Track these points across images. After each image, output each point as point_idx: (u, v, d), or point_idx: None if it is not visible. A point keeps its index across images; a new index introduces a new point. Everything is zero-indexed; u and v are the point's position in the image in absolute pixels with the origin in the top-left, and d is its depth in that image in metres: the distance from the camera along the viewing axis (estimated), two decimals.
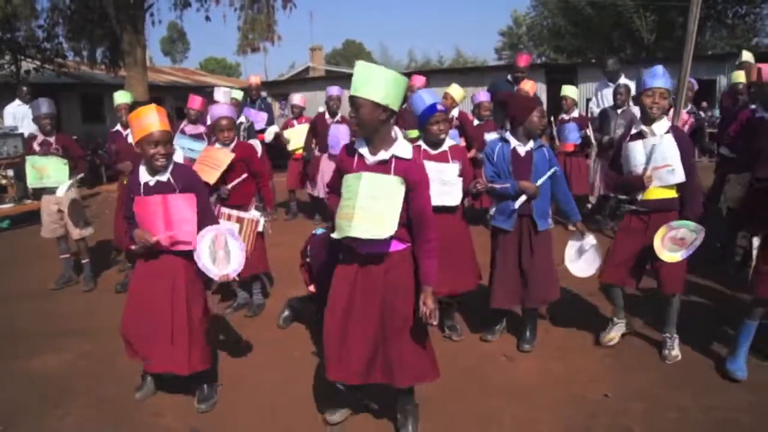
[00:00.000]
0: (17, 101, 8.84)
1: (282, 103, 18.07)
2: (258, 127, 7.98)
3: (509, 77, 7.58)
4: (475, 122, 7.05)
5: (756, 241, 3.40)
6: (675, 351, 3.61)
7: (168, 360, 3.08)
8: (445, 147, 3.81)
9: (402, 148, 2.57)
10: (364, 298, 2.68)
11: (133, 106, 4.89)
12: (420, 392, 2.99)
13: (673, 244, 3.38)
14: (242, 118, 7.43)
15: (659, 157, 3.41)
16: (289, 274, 5.24)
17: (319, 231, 4.10)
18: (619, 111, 6.35)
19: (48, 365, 3.88)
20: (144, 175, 3.09)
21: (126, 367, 3.55)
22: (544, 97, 16.64)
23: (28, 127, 8.72)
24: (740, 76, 5.96)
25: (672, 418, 3.00)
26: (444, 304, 4.16)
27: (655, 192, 3.49)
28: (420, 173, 2.57)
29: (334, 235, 2.65)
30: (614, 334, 3.80)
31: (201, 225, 3.06)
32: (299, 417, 3.08)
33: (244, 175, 4.38)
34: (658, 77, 3.42)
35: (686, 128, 5.69)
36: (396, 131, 2.62)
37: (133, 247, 3.15)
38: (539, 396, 3.27)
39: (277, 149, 8.36)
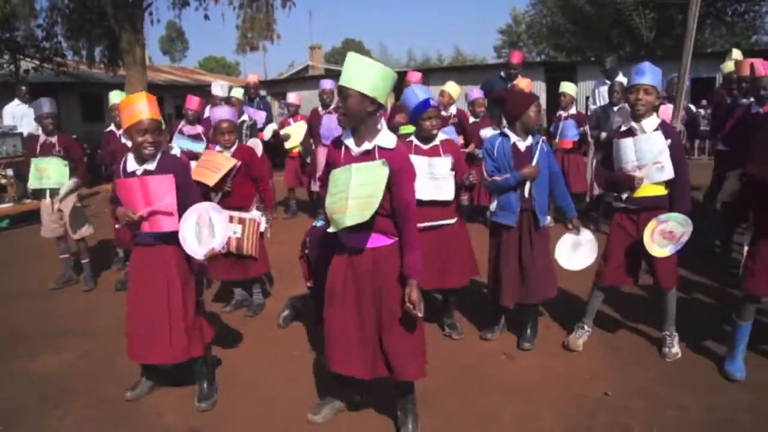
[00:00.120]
0: (16, 101, 8.84)
1: (281, 102, 18.04)
2: (257, 125, 7.99)
3: (502, 74, 7.59)
4: (471, 119, 7.07)
5: (746, 237, 3.40)
6: (675, 348, 3.61)
7: (166, 350, 3.10)
8: (436, 141, 3.82)
9: (385, 138, 2.60)
10: (357, 292, 2.70)
11: None
12: (420, 390, 2.98)
13: (662, 238, 3.39)
14: (245, 117, 7.43)
15: (648, 155, 3.42)
16: (289, 273, 5.25)
17: (320, 223, 4.10)
18: (615, 108, 6.35)
19: (48, 365, 3.88)
20: (131, 164, 3.10)
21: (126, 367, 3.54)
22: (543, 96, 16.64)
23: (27, 127, 8.72)
24: (730, 66, 5.97)
25: (672, 417, 3.00)
26: (443, 302, 4.17)
27: (644, 189, 3.49)
28: (402, 162, 2.58)
29: (330, 230, 2.68)
30: (582, 341, 3.79)
31: (185, 208, 3.05)
32: (299, 416, 3.07)
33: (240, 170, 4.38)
34: (642, 74, 3.42)
35: (678, 122, 5.68)
36: (382, 123, 2.64)
37: (117, 226, 3.17)
38: (539, 394, 3.27)
39: (275, 147, 8.36)
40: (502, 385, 3.39)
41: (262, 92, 9.43)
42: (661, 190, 3.50)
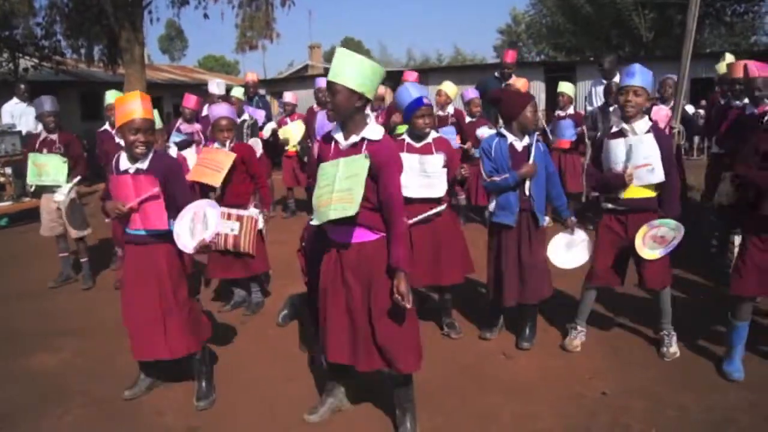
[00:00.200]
0: (15, 99, 8.82)
1: (280, 102, 18.05)
2: (257, 124, 7.99)
3: (496, 74, 7.58)
4: (467, 119, 7.10)
5: (737, 239, 3.42)
6: (673, 348, 3.61)
7: (162, 345, 3.12)
8: (428, 139, 3.83)
9: (372, 131, 2.63)
10: (345, 285, 2.72)
11: None
12: (419, 389, 2.98)
13: (653, 242, 3.41)
14: (245, 116, 7.42)
15: (639, 156, 3.43)
16: (288, 271, 5.24)
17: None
18: (611, 109, 6.34)
19: (46, 364, 3.87)
20: (124, 162, 3.13)
21: (125, 366, 3.54)
22: (542, 95, 16.64)
23: (26, 125, 8.71)
24: (723, 68, 5.99)
25: (672, 416, 3.00)
26: (440, 301, 4.16)
27: (633, 191, 3.50)
28: (388, 153, 2.60)
29: (313, 222, 2.72)
30: (578, 341, 3.79)
31: (177, 210, 3.07)
32: (299, 415, 3.07)
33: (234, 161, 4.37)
34: (632, 75, 3.44)
35: (678, 122, 5.69)
36: (371, 117, 2.67)
37: (107, 220, 3.20)
38: (539, 393, 3.27)
39: (274, 146, 8.36)
40: (502, 384, 3.39)
41: (261, 91, 9.42)
42: (650, 193, 3.51)
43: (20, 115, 8.75)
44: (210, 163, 4.30)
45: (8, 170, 8.37)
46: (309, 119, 7.80)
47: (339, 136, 2.68)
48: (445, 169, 3.79)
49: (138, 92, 3.11)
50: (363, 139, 2.61)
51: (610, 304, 4.40)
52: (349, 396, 3.14)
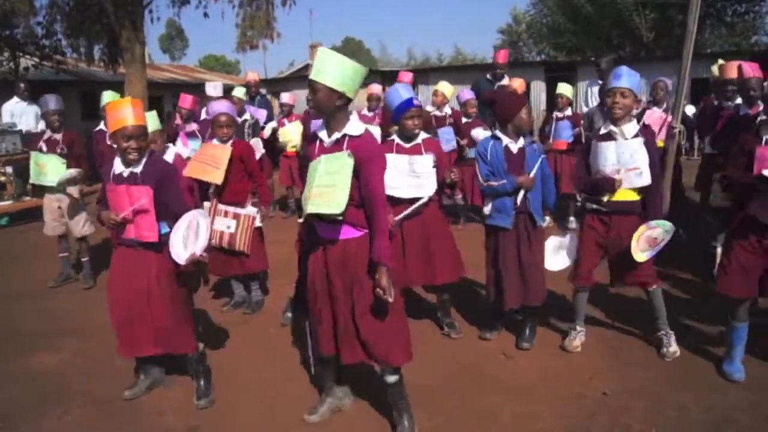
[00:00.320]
0: (15, 98, 8.83)
1: (281, 102, 18.06)
2: (259, 124, 8.01)
3: (488, 76, 7.57)
4: (463, 120, 7.11)
5: (721, 239, 3.43)
6: (673, 347, 3.61)
7: (149, 341, 3.14)
8: (418, 140, 3.85)
9: (353, 127, 2.68)
10: (330, 281, 2.76)
11: None
12: (419, 389, 2.99)
13: (646, 244, 3.42)
14: (247, 116, 7.42)
15: (628, 160, 3.44)
16: (288, 271, 5.21)
17: None
18: (606, 109, 6.33)
19: (46, 364, 3.88)
20: (118, 166, 3.16)
21: (124, 366, 3.55)
22: (543, 95, 16.64)
23: (26, 124, 8.71)
24: (716, 70, 6.02)
25: (672, 417, 3.00)
26: (438, 302, 4.16)
27: (619, 194, 3.51)
28: (369, 148, 2.64)
29: (299, 220, 2.78)
30: (578, 342, 3.79)
31: (172, 215, 3.11)
32: (299, 415, 3.07)
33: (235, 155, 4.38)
34: (619, 77, 3.46)
35: (662, 126, 5.70)
36: (354, 115, 2.73)
37: (106, 225, 3.24)
38: (539, 393, 3.27)
39: (274, 146, 8.37)
40: (502, 384, 3.39)
41: (262, 90, 9.42)
42: (635, 196, 3.52)
43: (20, 114, 8.76)
44: (207, 159, 4.29)
45: (9, 169, 8.37)
46: (307, 120, 7.80)
47: (323, 134, 2.75)
48: (435, 169, 3.81)
49: (129, 99, 3.16)
50: (345, 135, 2.66)
51: (610, 305, 4.40)
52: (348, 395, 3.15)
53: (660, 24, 22.17)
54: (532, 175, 3.63)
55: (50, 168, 5.15)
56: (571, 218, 6.71)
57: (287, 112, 8.42)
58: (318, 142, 2.77)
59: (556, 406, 3.13)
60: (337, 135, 2.67)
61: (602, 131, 3.58)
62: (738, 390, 3.22)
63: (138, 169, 3.12)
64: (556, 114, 7.11)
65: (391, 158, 3.69)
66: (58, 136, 5.28)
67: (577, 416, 3.03)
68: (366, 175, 2.59)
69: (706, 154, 5.85)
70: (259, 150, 6.82)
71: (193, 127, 6.71)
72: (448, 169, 3.85)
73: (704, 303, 4.52)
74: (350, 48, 53.48)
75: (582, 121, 6.82)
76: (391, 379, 2.82)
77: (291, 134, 8.12)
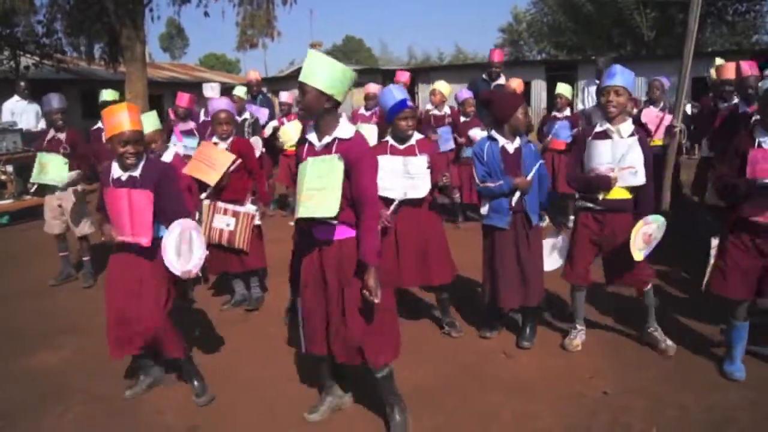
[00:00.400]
0: (15, 97, 8.84)
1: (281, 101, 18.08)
2: (260, 122, 8.00)
3: (484, 75, 7.55)
4: (462, 119, 7.11)
5: (714, 240, 3.44)
6: (669, 341, 3.63)
7: (139, 337, 3.14)
8: (412, 141, 3.85)
9: (343, 130, 2.70)
10: (324, 281, 2.79)
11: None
12: (420, 388, 2.98)
13: (642, 241, 3.43)
14: (246, 114, 7.41)
15: (623, 159, 3.44)
16: (287, 269, 5.20)
17: None
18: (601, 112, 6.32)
19: (47, 362, 3.88)
20: (116, 170, 3.17)
21: (125, 364, 3.55)
22: (544, 94, 16.64)
23: (26, 123, 8.71)
24: (713, 73, 6.02)
25: (672, 416, 2.99)
26: (437, 301, 4.16)
27: (613, 192, 3.52)
28: (359, 150, 2.65)
29: (291, 223, 2.77)
30: (579, 341, 3.79)
31: (171, 217, 3.11)
32: (299, 414, 3.07)
33: (238, 162, 4.38)
34: (613, 76, 3.46)
35: (660, 125, 5.69)
36: (343, 118, 2.74)
37: (102, 238, 3.26)
38: (539, 392, 3.27)
39: (274, 145, 8.36)
40: (502, 383, 3.39)
41: (264, 89, 9.42)
42: (628, 194, 3.53)
43: (21, 112, 8.76)
44: (207, 160, 4.30)
45: (9, 168, 8.37)
46: (305, 123, 7.79)
47: (312, 137, 2.76)
48: (429, 170, 3.82)
49: (125, 104, 3.16)
50: (335, 139, 2.68)
51: (610, 304, 4.40)
52: (346, 393, 3.16)
53: (661, 23, 22.17)
54: (529, 177, 3.63)
55: (52, 167, 5.16)
56: (572, 217, 6.70)
57: (287, 111, 8.41)
58: (308, 145, 2.78)
59: (557, 405, 3.13)
60: (327, 139, 2.69)
61: (598, 129, 3.58)
62: (738, 389, 3.21)
63: (136, 173, 3.13)
64: (555, 114, 7.10)
65: (385, 160, 3.73)
66: (62, 136, 5.27)
67: (577, 415, 3.03)
68: (356, 177, 2.63)
69: (703, 157, 5.84)
70: (258, 148, 6.82)
71: (190, 125, 6.71)
72: (441, 173, 3.86)
73: (704, 302, 4.51)
74: (351, 47, 53.45)
75: (580, 121, 6.82)
76: (380, 374, 2.83)
77: (290, 133, 8.11)
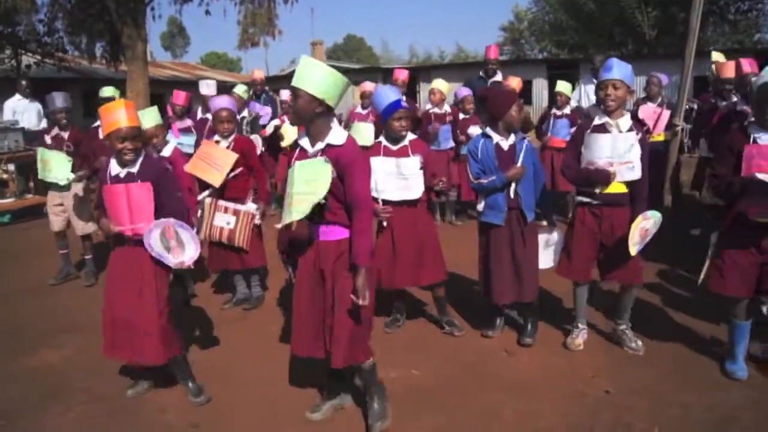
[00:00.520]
0: (17, 96, 8.82)
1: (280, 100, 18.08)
2: (263, 121, 8.01)
3: (481, 73, 7.55)
4: (461, 116, 7.11)
5: (713, 237, 3.43)
6: (639, 342, 3.68)
7: (141, 350, 3.13)
8: (405, 142, 3.85)
9: (335, 136, 2.71)
10: (319, 280, 2.82)
11: None
12: (421, 387, 2.98)
13: (639, 236, 3.43)
14: (245, 113, 7.40)
15: (622, 153, 3.44)
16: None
17: None
18: (602, 107, 6.30)
19: (48, 361, 3.88)
20: (114, 168, 3.17)
21: (126, 364, 3.54)
22: (545, 93, 16.61)
23: (27, 122, 8.70)
24: (715, 66, 6.00)
25: (674, 415, 2.99)
26: (434, 301, 4.16)
27: (611, 186, 3.52)
28: (351, 156, 2.67)
29: (277, 225, 2.83)
30: (581, 340, 3.79)
31: (168, 215, 3.11)
32: (300, 413, 3.07)
33: (240, 169, 4.38)
34: (610, 69, 3.46)
35: (662, 121, 5.68)
36: (335, 123, 2.76)
37: (99, 232, 3.25)
38: (541, 391, 3.26)
39: (275, 143, 8.35)
40: (504, 382, 3.38)
41: (267, 88, 9.42)
42: (624, 189, 3.53)
43: (22, 111, 8.75)
44: (210, 159, 4.29)
45: (11, 167, 8.36)
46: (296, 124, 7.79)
47: (304, 142, 2.77)
48: (422, 171, 3.81)
49: (122, 101, 3.18)
50: (327, 145, 2.70)
51: (611, 303, 4.38)
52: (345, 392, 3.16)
53: (662, 21, 22.11)
54: (519, 163, 3.62)
55: (54, 164, 5.15)
56: (572, 215, 6.69)
57: (287, 109, 8.39)
58: (299, 150, 2.81)
59: (559, 404, 3.13)
60: (320, 145, 2.70)
61: (596, 122, 3.57)
62: (741, 388, 3.21)
63: (134, 169, 3.13)
64: (555, 112, 7.08)
65: (378, 161, 3.75)
66: (65, 134, 5.28)
67: (579, 414, 3.02)
68: (348, 181, 2.65)
69: (702, 157, 5.83)
70: (258, 146, 6.80)
71: (187, 123, 6.70)
72: (437, 175, 3.84)
73: (704, 301, 4.51)
74: (352, 45, 53.42)
75: (579, 120, 6.81)
76: (365, 366, 2.88)
77: (290, 133, 8.10)
